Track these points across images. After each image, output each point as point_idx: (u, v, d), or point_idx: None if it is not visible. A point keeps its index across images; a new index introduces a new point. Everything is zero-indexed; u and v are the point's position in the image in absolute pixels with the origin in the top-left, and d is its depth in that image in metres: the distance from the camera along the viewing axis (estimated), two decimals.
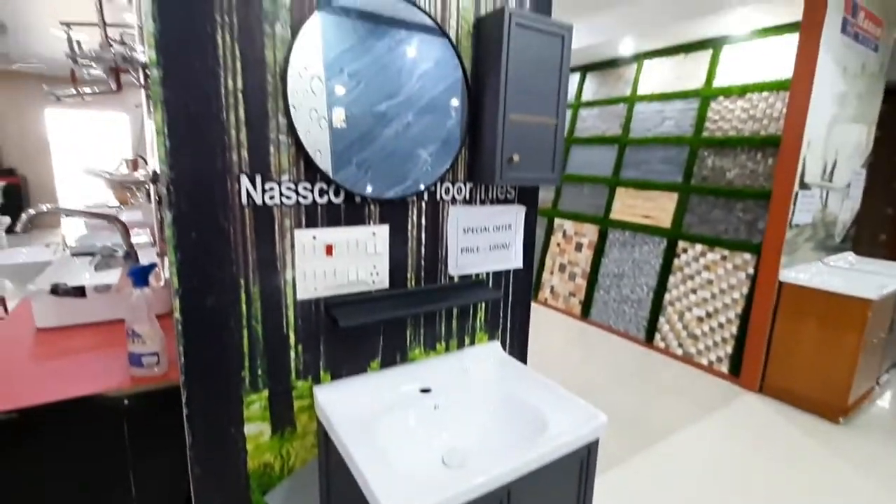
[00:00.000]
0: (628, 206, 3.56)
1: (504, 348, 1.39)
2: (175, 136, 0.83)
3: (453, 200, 1.19)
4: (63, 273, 1.41)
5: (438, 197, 1.16)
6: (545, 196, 4.23)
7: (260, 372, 1.00)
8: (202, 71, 0.83)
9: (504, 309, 1.36)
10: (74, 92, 1.44)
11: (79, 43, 1.21)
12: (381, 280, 1.12)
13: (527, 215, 1.33)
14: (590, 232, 3.81)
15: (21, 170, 6.93)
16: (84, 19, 1.64)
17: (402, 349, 1.20)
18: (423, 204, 1.14)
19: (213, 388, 0.95)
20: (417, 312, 1.17)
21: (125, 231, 1.20)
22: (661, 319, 3.26)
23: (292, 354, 1.03)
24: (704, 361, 3.01)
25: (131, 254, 1.14)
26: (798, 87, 2.52)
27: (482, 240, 1.26)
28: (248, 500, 1.04)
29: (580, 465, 1.03)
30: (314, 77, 0.93)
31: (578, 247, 3.88)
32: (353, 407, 1.04)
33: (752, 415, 2.52)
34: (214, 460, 0.97)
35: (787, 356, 2.61)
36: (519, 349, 1.42)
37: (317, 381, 1.08)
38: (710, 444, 2.24)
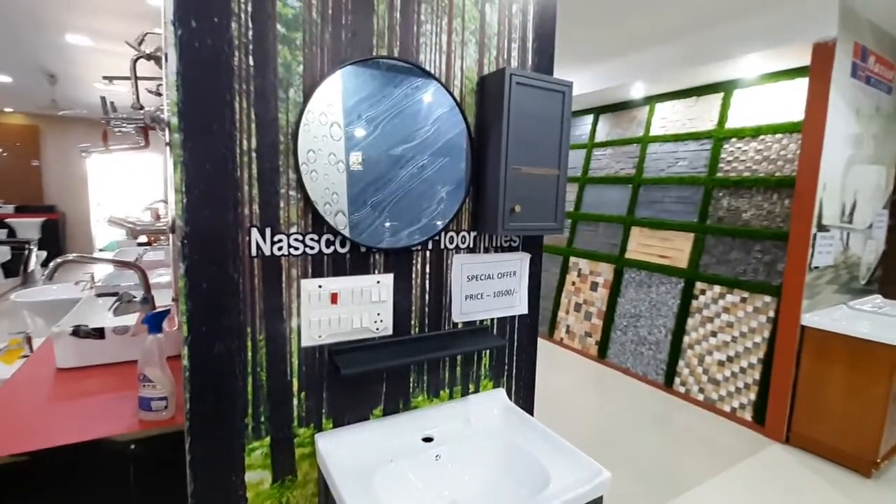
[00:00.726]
0: (644, 245, 3.53)
1: (509, 396, 1.38)
2: (192, 193, 0.88)
3: (457, 249, 1.22)
4: (87, 313, 1.48)
5: (443, 246, 1.19)
6: (559, 235, 4.24)
7: (263, 419, 1.02)
8: (220, 133, 0.90)
9: (509, 355, 1.36)
10: (104, 148, 1.56)
11: (112, 104, 1.32)
12: (385, 327, 1.14)
13: (531, 262, 1.35)
14: (605, 271, 3.78)
15: (61, 206, 7.30)
16: (125, 73, 1.78)
17: (405, 397, 1.20)
18: (428, 253, 1.17)
19: (216, 435, 0.97)
20: (420, 360, 1.18)
21: (144, 277, 1.26)
22: (681, 363, 3.17)
23: (295, 402, 1.05)
24: (727, 408, 2.90)
25: (149, 299, 1.19)
26: (810, 130, 2.52)
27: (487, 287, 1.28)
28: None
29: None
30: (333, 123, 0.99)
31: (594, 286, 3.85)
32: (353, 456, 1.04)
33: (779, 467, 2.40)
34: None
35: (814, 404, 2.49)
36: (524, 396, 1.41)
37: (318, 428, 1.09)
38: (736, 499, 2.13)
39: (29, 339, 1.58)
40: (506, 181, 1.13)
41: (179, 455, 0.95)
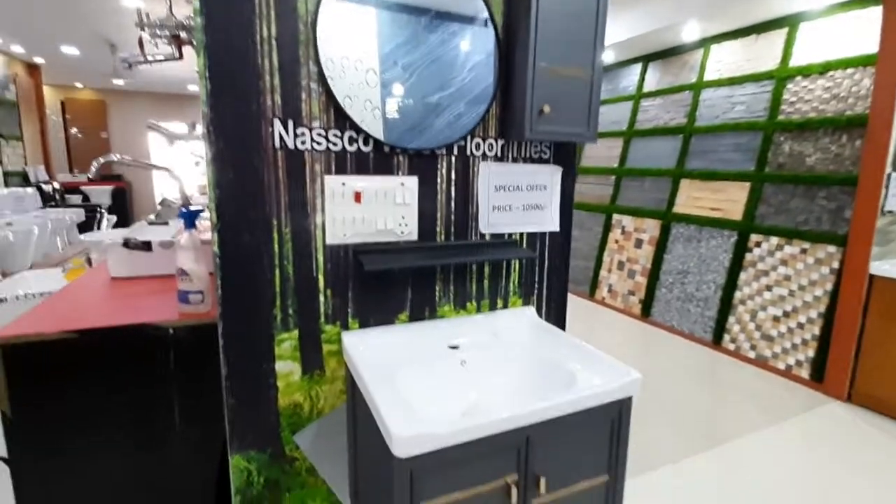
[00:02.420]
0: (694, 198, 3.34)
1: (539, 315, 1.35)
2: (215, 78, 0.90)
3: (484, 156, 1.18)
4: (138, 233, 1.57)
5: (469, 152, 1.16)
6: (602, 192, 4.09)
7: (291, 312, 1.05)
8: (239, 19, 0.90)
9: (539, 273, 1.33)
10: (143, 59, 1.63)
11: (147, 14, 1.37)
12: (410, 231, 1.13)
13: (563, 177, 1.30)
14: (651, 227, 3.61)
15: (127, 177, 7.81)
16: None
17: (431, 304, 1.20)
18: (453, 158, 1.15)
19: (246, 322, 1.00)
20: (447, 263, 1.17)
21: (180, 183, 1.32)
22: (731, 319, 3.01)
23: (321, 298, 1.07)
24: (781, 366, 2.73)
25: (185, 203, 1.24)
26: (885, 62, 2.26)
27: (515, 199, 1.24)
28: (277, 436, 1.08)
29: (611, 423, 0.97)
30: (369, 70, 0.98)
31: (638, 243, 3.69)
32: (378, 354, 1.05)
33: (838, 424, 2.24)
34: (247, 392, 1.03)
35: (881, 360, 2.29)
36: (556, 316, 1.38)
37: (345, 327, 1.11)
38: (785, 453, 2.01)
39: (89, 260, 1.71)
40: (534, 79, 1.08)
41: (216, 344, 0.99)
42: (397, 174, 1.10)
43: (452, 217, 1.18)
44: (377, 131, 1.03)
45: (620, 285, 3.82)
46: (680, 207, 3.42)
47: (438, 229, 1.17)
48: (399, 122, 1.06)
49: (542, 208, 1.28)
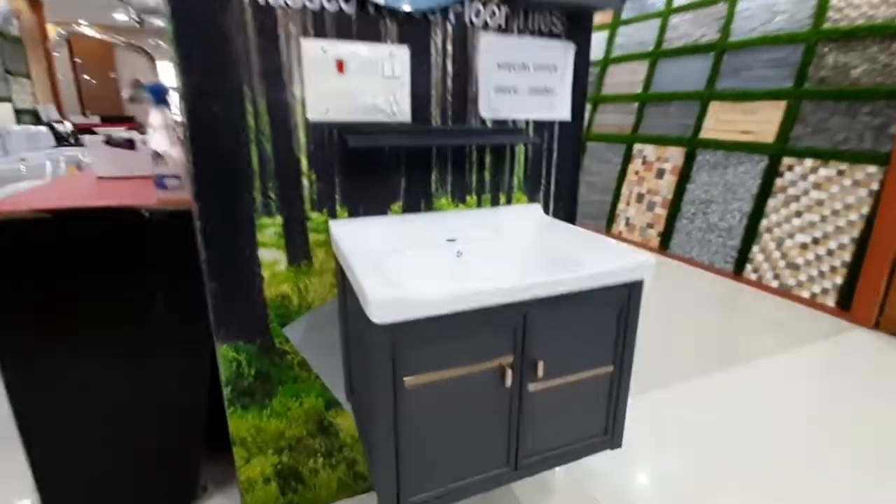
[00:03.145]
0: (723, 121, 3.10)
1: (547, 213, 1.25)
2: None
3: (485, 27, 1.04)
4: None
5: (467, 19, 1.02)
6: (623, 121, 3.85)
7: (272, 195, 0.97)
8: None
9: (547, 167, 1.22)
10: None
11: None
12: (402, 111, 1.02)
13: (577, 56, 1.15)
14: (674, 156, 3.41)
15: (139, 118, 7.77)
16: None
17: (427, 196, 1.11)
18: (449, 27, 1.02)
19: (224, 203, 0.93)
20: (443, 144, 1.07)
21: (153, 64, 1.23)
22: (755, 248, 2.86)
23: (305, 182, 0.99)
24: (806, 294, 2.61)
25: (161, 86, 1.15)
26: None
27: (521, 80, 1.11)
28: (266, 328, 1.04)
29: (619, 309, 0.89)
30: None
31: (660, 173, 3.50)
32: (368, 243, 0.98)
33: (863, 350, 2.14)
34: (229, 278, 0.97)
35: None
36: (565, 216, 1.28)
37: (333, 215, 1.03)
38: (805, 377, 1.94)
39: (79, 164, 1.66)
40: None
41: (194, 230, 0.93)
42: (385, 42, 0.97)
43: (449, 97, 1.06)
44: None
45: (639, 218, 3.66)
46: (707, 132, 3.19)
47: (433, 111, 1.06)
48: None
49: (551, 92, 1.15)
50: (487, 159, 1.14)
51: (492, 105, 1.10)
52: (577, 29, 1.13)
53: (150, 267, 1.01)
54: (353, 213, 1.05)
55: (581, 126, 1.22)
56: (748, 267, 2.90)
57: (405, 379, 0.74)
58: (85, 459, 1.08)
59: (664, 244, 3.44)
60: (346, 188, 1.03)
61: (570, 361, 0.88)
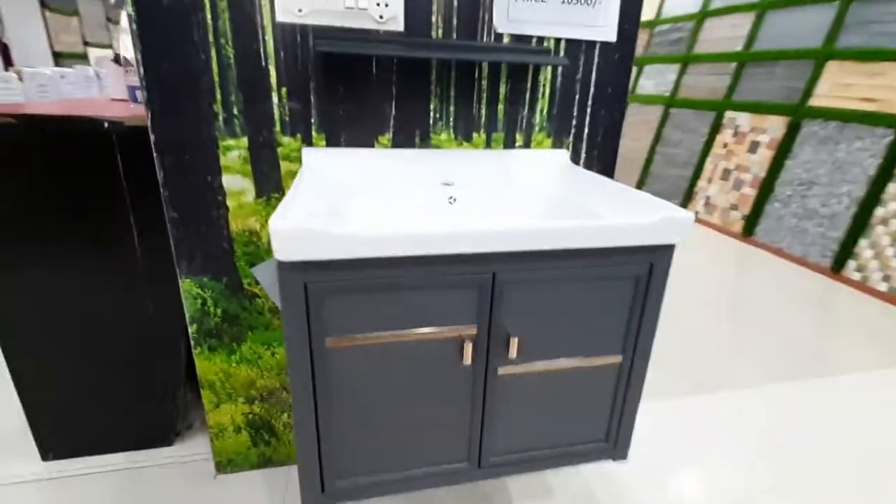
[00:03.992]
0: (841, 85, 2.55)
1: (577, 163, 1.02)
2: None
3: None
4: None
5: None
6: (716, 84, 3.32)
7: (236, 111, 0.84)
8: None
9: (581, 103, 0.98)
10: None
11: None
12: (393, 17, 0.83)
13: None
14: (774, 126, 2.88)
15: None
16: None
17: (424, 128, 0.93)
18: None
19: (182, 116, 0.81)
20: (443, 59, 0.87)
21: None
22: (863, 242, 2.36)
23: (274, 98, 0.84)
24: None
25: None
26: None
27: None
28: (232, 265, 0.93)
29: (635, 280, 0.67)
30: None
31: (753, 147, 2.99)
32: (341, 177, 0.83)
33: None
34: (190, 206, 0.87)
35: None
36: (601, 167, 1.03)
37: (308, 142, 0.88)
38: None
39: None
40: None
41: None
42: None
43: (455, 3, 0.85)
44: None
45: (721, 198, 3.19)
46: (819, 99, 2.65)
47: (434, 19, 0.86)
48: None
49: (592, 3, 0.90)
50: (502, 88, 0.93)
51: (511, 15, 0.88)
52: None
53: (114, 181, 0.92)
54: (333, 143, 0.89)
55: (631, 51, 0.96)
56: (851, 264, 2.41)
57: (326, 339, 0.58)
58: (65, 380, 1.06)
59: (748, 230, 2.98)
60: (324, 111, 0.87)
61: (558, 343, 0.68)
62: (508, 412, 0.69)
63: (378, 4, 0.82)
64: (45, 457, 1.11)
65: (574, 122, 0.99)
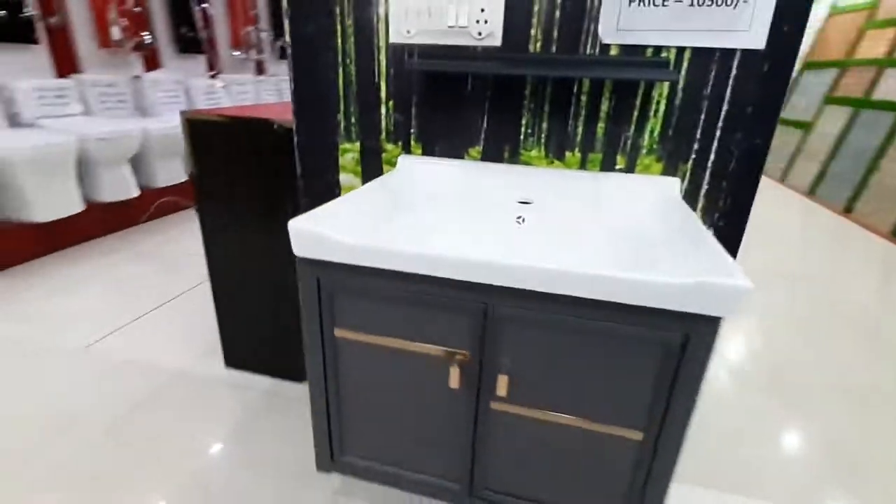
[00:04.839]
0: None
1: (697, 195, 0.85)
2: None
3: None
4: None
5: None
6: None
7: (353, 120, 0.98)
8: None
9: (708, 125, 0.81)
10: None
11: None
12: (492, 33, 0.84)
13: None
14: None
15: None
16: None
17: (514, 144, 0.91)
18: None
19: (316, 123, 1.00)
20: (542, 75, 0.84)
21: None
22: None
23: (383, 110, 0.96)
24: None
25: None
26: None
27: None
28: None
29: (664, 352, 0.55)
30: None
31: None
32: (426, 184, 0.90)
33: None
34: (317, 194, 1.06)
35: None
36: (727, 206, 0.84)
37: (407, 150, 0.97)
38: None
39: None
40: None
41: None
42: None
43: (557, 14, 0.81)
44: None
45: None
46: None
47: (534, 33, 0.83)
48: None
49: (732, 3, 0.73)
50: (604, 104, 0.84)
51: (621, 23, 0.78)
52: None
53: (277, 168, 1.19)
54: (429, 151, 0.96)
55: (790, 60, 0.74)
56: None
57: (335, 329, 0.66)
58: (238, 309, 1.42)
59: None
60: (423, 122, 0.94)
61: (556, 394, 0.60)
62: (505, 449, 0.66)
63: (478, 21, 0.84)
64: (227, 364, 1.52)
65: (696, 147, 0.82)
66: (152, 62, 3.19)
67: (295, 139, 1.03)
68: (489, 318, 0.59)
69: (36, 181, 2.16)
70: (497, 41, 0.85)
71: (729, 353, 1.72)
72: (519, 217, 0.83)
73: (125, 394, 1.39)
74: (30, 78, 2.46)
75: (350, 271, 0.61)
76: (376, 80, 0.94)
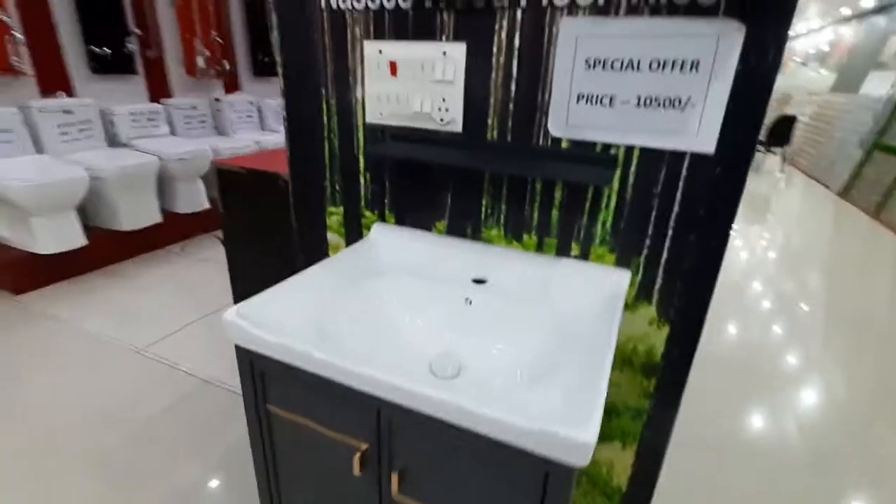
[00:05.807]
0: None
1: (646, 297, 0.82)
2: None
3: (571, 8, 0.73)
4: None
5: (544, 1, 0.74)
6: None
7: (338, 187, 1.06)
8: None
9: (659, 223, 0.78)
10: None
11: None
12: (452, 120, 0.88)
13: (747, 45, 0.65)
14: None
15: None
16: None
17: (475, 223, 0.94)
18: (518, 12, 0.77)
19: (307, 186, 1.10)
20: (485, 168, 0.87)
21: None
22: None
23: (361, 181, 1.03)
24: None
25: None
26: None
27: (624, 85, 0.73)
28: None
29: (533, 482, 0.56)
30: None
31: None
32: (394, 254, 0.96)
33: None
34: (309, 248, 1.16)
35: None
36: (680, 306, 0.81)
37: (382, 218, 1.04)
38: None
39: None
40: None
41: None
42: (440, 39, 0.84)
43: (511, 106, 0.83)
44: None
45: None
46: None
47: (490, 122, 0.85)
48: None
49: (680, 106, 0.71)
50: (557, 193, 0.84)
51: (571, 119, 0.78)
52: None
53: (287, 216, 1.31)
54: (400, 221, 1.02)
55: (744, 170, 0.70)
56: None
57: (267, 405, 0.75)
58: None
59: None
60: (395, 194, 1.00)
61: (444, 496, 0.64)
62: None
63: (440, 109, 0.88)
64: None
65: (648, 243, 0.80)
66: (231, 85, 3.55)
67: (291, 199, 1.14)
68: (382, 421, 0.63)
69: (123, 195, 2.51)
70: (458, 127, 0.88)
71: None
72: (467, 299, 0.86)
73: (163, 395, 1.60)
74: (128, 103, 2.84)
75: (273, 361, 0.69)
76: (356, 153, 1.01)
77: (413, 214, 1.00)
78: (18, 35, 2.30)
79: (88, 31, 2.62)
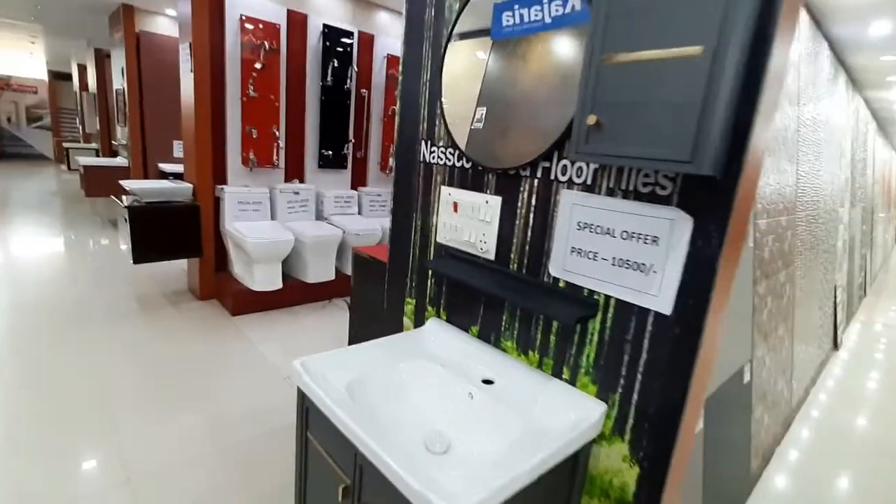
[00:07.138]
0: None
1: (623, 426, 0.89)
2: (402, 111, 1.35)
3: (570, 183, 0.94)
4: None
5: (553, 175, 0.97)
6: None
7: (413, 284, 1.38)
8: (413, 70, 1.29)
9: (630, 367, 0.87)
10: None
11: None
12: (488, 250, 1.13)
13: (696, 234, 0.76)
14: None
15: None
16: None
17: (497, 333, 1.14)
18: (536, 181, 1.01)
19: (396, 281, 1.45)
20: (492, 295, 1.08)
21: None
22: None
23: (429, 283, 1.33)
24: None
25: None
26: None
27: (604, 246, 0.89)
28: None
29: None
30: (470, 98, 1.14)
31: None
32: (435, 345, 1.21)
33: None
34: (389, 326, 1.49)
35: None
36: (649, 447, 0.85)
37: (437, 314, 1.31)
38: None
39: None
40: (591, 75, 0.78)
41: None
42: (485, 191, 1.13)
43: (526, 247, 1.04)
44: (462, 143, 1.13)
45: None
46: None
47: (513, 256, 1.08)
48: (480, 142, 1.09)
49: (644, 271, 0.83)
50: (555, 322, 1.00)
51: (566, 266, 0.96)
52: (698, 194, 0.75)
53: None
54: (450, 319, 1.27)
55: (696, 333, 0.77)
56: None
57: (307, 433, 1.05)
58: None
59: None
60: (449, 299, 1.27)
61: None
62: None
63: (480, 240, 1.15)
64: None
65: (622, 383, 0.89)
66: None
67: (385, 286, 1.50)
68: (356, 468, 0.87)
69: (313, 256, 3.30)
70: (492, 256, 1.13)
71: None
72: (470, 393, 1.05)
73: (283, 421, 2.06)
74: (335, 189, 3.78)
75: (312, 401, 0.99)
76: (427, 264, 1.32)
77: (457, 316, 1.25)
78: (281, 144, 3.38)
79: (322, 140, 3.66)
